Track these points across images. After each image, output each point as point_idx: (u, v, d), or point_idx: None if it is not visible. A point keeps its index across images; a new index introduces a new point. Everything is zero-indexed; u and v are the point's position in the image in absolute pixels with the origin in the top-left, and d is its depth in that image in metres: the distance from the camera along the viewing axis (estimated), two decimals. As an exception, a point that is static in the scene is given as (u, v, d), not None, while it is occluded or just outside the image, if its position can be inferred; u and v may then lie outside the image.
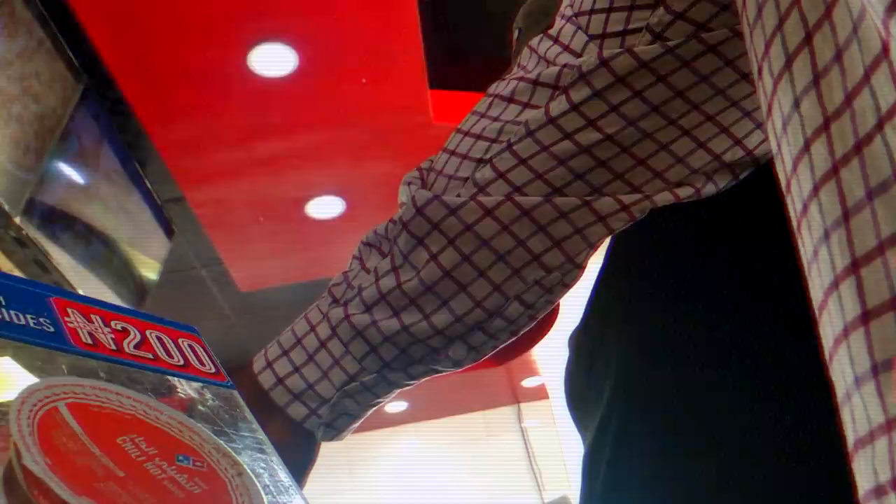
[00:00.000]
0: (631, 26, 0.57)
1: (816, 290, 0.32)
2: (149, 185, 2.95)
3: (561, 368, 0.75)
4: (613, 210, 0.59)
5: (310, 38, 2.40)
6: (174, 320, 0.48)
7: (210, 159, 2.79)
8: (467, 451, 5.70)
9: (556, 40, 0.61)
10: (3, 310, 0.38)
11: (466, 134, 0.63)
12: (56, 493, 0.29)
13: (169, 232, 3.16)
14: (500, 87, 0.63)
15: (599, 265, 0.73)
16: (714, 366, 0.61)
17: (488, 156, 0.60)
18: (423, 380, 0.67)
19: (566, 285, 0.63)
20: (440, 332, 0.62)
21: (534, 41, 0.63)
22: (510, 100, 0.61)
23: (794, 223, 0.33)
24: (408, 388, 0.67)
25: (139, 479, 0.33)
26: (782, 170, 0.34)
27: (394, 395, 0.68)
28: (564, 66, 0.59)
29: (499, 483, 5.53)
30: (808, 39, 0.30)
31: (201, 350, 0.46)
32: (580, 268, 0.63)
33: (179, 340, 0.46)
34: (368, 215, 3.23)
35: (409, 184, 0.65)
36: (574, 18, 0.60)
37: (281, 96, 2.56)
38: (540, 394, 5.41)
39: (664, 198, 0.60)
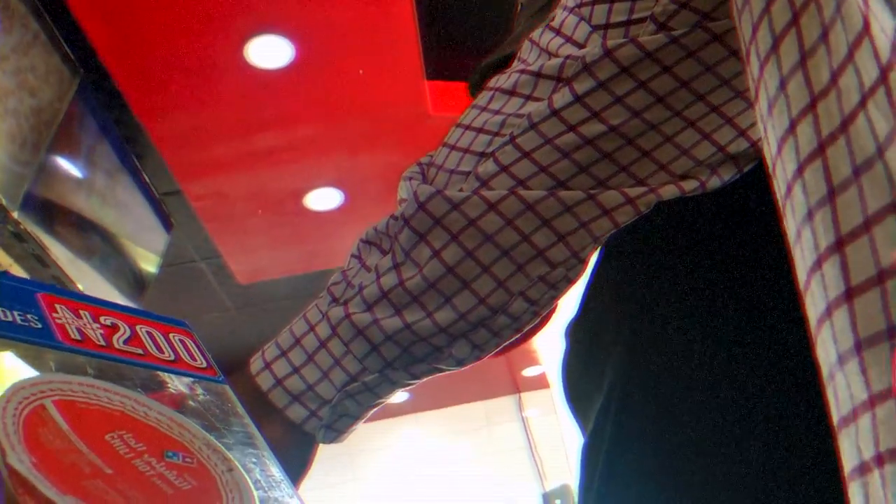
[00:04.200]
0: (635, 16, 0.56)
1: (801, 272, 0.31)
2: (146, 178, 2.94)
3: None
4: (619, 203, 0.59)
5: (306, 30, 2.39)
6: (170, 315, 0.48)
7: (207, 152, 2.78)
8: (469, 441, 5.71)
9: (558, 32, 0.60)
10: (-10, 306, 0.37)
11: (467, 128, 0.62)
12: (41, 491, 0.29)
13: (168, 225, 3.15)
14: (502, 81, 0.62)
15: (596, 253, 0.72)
16: (713, 358, 0.61)
17: (490, 149, 0.60)
18: (426, 378, 0.66)
19: (570, 280, 0.62)
20: (443, 329, 0.61)
21: (534, 34, 0.63)
22: (512, 93, 0.61)
23: (780, 205, 0.33)
24: (410, 386, 0.66)
25: (127, 475, 0.33)
26: (769, 153, 0.33)
27: (394, 395, 0.67)
28: (568, 57, 0.58)
29: (500, 472, 5.54)
30: (795, 20, 0.30)
31: (192, 345, 0.46)
32: (584, 262, 0.62)
33: (170, 335, 0.45)
34: (367, 207, 3.23)
35: (410, 179, 0.64)
36: (576, 9, 0.59)
37: (278, 88, 2.55)
38: (541, 383, 5.42)
39: (669, 191, 0.59)
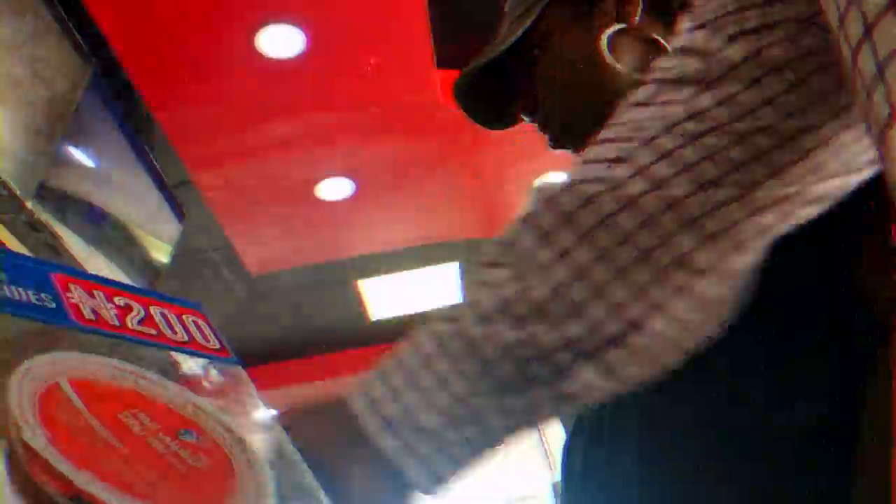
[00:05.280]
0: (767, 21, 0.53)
1: None
2: (158, 168, 2.95)
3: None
4: (766, 204, 0.53)
5: (317, 20, 2.39)
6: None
7: (218, 142, 2.79)
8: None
9: (687, 50, 0.57)
10: (5, 286, 0.37)
11: (602, 141, 0.57)
12: (55, 466, 0.29)
13: (179, 215, 3.16)
14: (636, 97, 0.58)
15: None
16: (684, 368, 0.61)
17: (624, 153, 0.55)
18: (543, 423, 0.57)
19: (723, 303, 0.53)
20: (569, 343, 0.53)
21: (659, 61, 0.59)
22: (648, 104, 0.57)
23: None
24: (522, 432, 0.57)
25: (141, 453, 0.33)
26: None
27: (502, 441, 0.58)
28: (708, 59, 0.54)
29: (510, 461, 5.55)
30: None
31: (206, 326, 0.46)
32: (733, 278, 0.53)
33: (184, 317, 0.45)
34: (378, 196, 3.23)
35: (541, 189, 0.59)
36: (702, 27, 0.56)
37: (289, 78, 2.55)
38: (551, 374, 5.42)
39: (818, 190, 0.54)
